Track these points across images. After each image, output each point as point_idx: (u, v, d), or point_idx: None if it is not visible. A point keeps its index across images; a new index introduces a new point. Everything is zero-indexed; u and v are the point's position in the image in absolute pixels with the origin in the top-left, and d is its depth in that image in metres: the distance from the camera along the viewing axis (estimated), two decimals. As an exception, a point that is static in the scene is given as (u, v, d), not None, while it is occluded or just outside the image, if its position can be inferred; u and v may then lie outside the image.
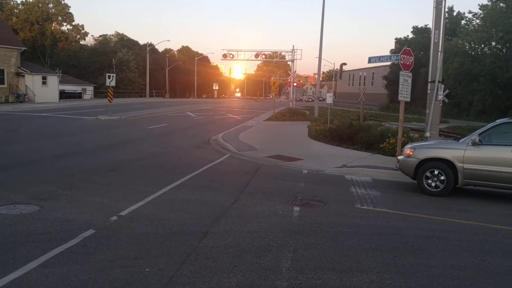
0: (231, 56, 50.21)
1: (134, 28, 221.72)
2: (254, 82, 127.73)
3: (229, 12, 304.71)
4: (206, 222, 6.30)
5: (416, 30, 58.21)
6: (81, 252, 4.93)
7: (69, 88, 52.54)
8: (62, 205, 6.93)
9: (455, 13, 54.92)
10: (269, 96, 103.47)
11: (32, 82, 42.99)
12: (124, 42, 78.36)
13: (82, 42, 74.59)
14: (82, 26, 72.95)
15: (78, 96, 54.05)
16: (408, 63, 12.37)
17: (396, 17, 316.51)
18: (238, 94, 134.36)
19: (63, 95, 48.48)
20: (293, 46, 50.83)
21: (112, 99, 28.45)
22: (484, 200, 9.24)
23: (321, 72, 52.04)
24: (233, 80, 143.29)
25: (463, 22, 52.65)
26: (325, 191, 8.98)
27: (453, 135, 21.27)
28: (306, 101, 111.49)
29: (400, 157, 9.98)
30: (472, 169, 8.68)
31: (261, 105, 58.71)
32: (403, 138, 13.38)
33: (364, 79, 77.60)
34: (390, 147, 14.07)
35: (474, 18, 46.18)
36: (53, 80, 45.84)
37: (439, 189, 8.94)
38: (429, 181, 9.05)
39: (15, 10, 66.25)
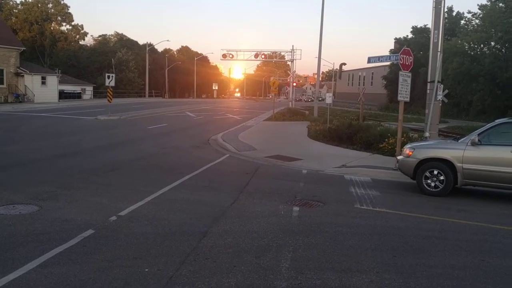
0: (230, 56, 50.26)
1: (134, 28, 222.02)
2: (254, 82, 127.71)
3: (229, 12, 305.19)
4: (205, 222, 6.30)
5: (415, 30, 58.27)
6: (81, 252, 4.92)
7: (68, 88, 52.47)
8: (62, 205, 6.93)
9: (454, 13, 55.00)
10: (269, 96, 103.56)
11: (31, 82, 42.94)
12: (123, 42, 78.29)
13: (81, 42, 74.64)
14: (82, 26, 73.01)
15: (77, 96, 53.98)
16: (407, 63, 12.38)
17: (396, 17, 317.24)
18: (238, 94, 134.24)
19: (62, 95, 48.41)
20: (293, 46, 51.12)
21: (111, 99, 28.49)
22: (483, 200, 9.25)
23: (321, 72, 52.10)
24: (233, 80, 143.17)
25: (462, 22, 52.68)
26: (325, 191, 8.98)
27: (452, 135, 21.27)
28: (305, 101, 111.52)
29: (399, 157, 9.99)
30: (472, 169, 8.69)
31: (261, 105, 58.71)
32: (403, 138, 13.38)
33: (364, 79, 77.70)
34: (390, 147, 14.08)
35: (474, 18, 46.23)
36: (52, 80, 45.80)
37: (438, 189, 8.95)
38: (429, 181, 9.06)
39: (14, 10, 66.17)
